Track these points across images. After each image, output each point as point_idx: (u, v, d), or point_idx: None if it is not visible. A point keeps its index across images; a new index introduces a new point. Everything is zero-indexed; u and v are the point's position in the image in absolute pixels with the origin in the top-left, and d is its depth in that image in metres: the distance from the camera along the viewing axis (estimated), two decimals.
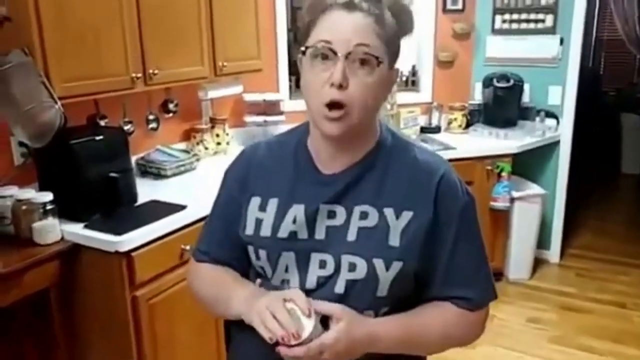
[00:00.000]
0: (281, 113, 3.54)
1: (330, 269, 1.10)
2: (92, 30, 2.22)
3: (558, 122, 3.96)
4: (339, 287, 1.10)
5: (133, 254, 2.08)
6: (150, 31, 2.46)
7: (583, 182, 5.11)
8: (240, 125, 3.53)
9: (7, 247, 2.05)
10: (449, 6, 4.04)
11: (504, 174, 3.57)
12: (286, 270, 1.14)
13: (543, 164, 4.10)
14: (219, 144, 3.32)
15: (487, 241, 3.78)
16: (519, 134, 3.80)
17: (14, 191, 2.15)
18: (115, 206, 2.27)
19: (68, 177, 2.19)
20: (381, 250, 1.09)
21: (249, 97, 3.47)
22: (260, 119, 3.49)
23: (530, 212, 3.80)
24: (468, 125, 4.01)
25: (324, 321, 1.06)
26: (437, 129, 4.05)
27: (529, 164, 3.98)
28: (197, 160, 3.03)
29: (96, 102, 2.55)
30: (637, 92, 6.90)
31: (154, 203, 2.41)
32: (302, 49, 1.06)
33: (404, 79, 4.19)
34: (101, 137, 2.27)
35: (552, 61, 3.93)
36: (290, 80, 3.68)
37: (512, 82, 3.84)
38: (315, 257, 1.12)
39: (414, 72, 4.21)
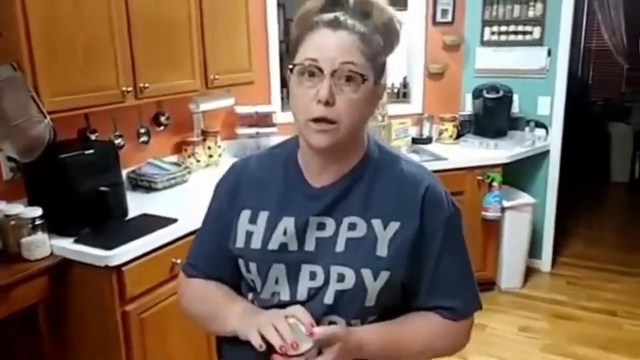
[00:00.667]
0: (273, 125, 3.55)
1: (320, 280, 1.11)
2: (82, 45, 2.22)
3: (547, 132, 3.99)
4: (328, 298, 1.11)
5: (123, 268, 2.08)
6: (140, 45, 2.47)
7: (573, 191, 5.14)
8: (232, 137, 3.53)
9: None
10: (439, 18, 4.07)
11: (494, 183, 3.58)
12: (276, 282, 1.15)
13: (533, 174, 4.13)
14: (210, 156, 3.32)
15: (478, 251, 3.77)
16: (509, 144, 3.83)
17: (3, 206, 2.14)
18: (106, 220, 2.26)
19: (58, 192, 2.18)
20: (369, 261, 1.10)
21: (240, 109, 3.48)
22: (252, 131, 3.50)
23: (521, 222, 3.82)
24: (459, 135, 4.03)
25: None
26: (428, 140, 4.07)
27: (519, 174, 4.00)
28: (189, 173, 3.03)
29: (86, 115, 2.55)
30: (626, 102, 6.96)
31: (145, 217, 2.41)
32: (290, 66, 1.08)
33: (395, 90, 4.21)
34: (91, 151, 2.27)
35: (540, 72, 3.97)
36: (282, 92, 3.68)
37: (501, 93, 3.87)
38: (306, 269, 1.13)
39: (404, 84, 4.23)
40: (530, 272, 4.13)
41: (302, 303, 1.11)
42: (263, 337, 1.03)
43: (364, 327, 1.12)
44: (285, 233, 1.14)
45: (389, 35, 1.09)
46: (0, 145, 2.14)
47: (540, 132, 3.97)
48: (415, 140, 4.04)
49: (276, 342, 1.01)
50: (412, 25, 4.06)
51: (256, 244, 1.16)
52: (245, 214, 1.19)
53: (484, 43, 4.11)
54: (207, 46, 2.85)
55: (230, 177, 1.27)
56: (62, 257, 2.13)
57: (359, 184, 1.15)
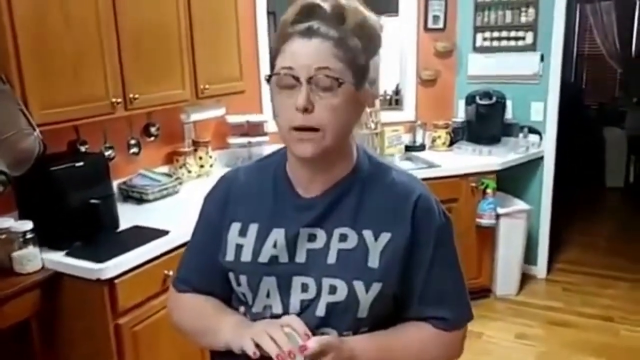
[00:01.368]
0: (265, 134, 3.53)
1: (312, 292, 1.11)
2: (71, 57, 2.21)
3: (541, 138, 3.99)
4: (320, 310, 1.10)
5: (115, 281, 2.06)
6: (130, 56, 2.46)
7: (567, 196, 5.14)
8: (224, 147, 3.52)
9: None
10: (430, 25, 4.06)
11: (488, 190, 3.58)
12: (267, 295, 1.14)
13: (527, 180, 4.12)
14: (202, 166, 3.30)
15: (473, 258, 3.76)
16: (502, 150, 3.83)
17: None
18: (97, 233, 2.25)
19: (48, 205, 2.17)
20: (361, 272, 1.10)
21: (232, 118, 3.47)
22: (244, 140, 3.48)
23: (516, 228, 3.81)
24: (452, 142, 4.02)
25: None
26: (421, 147, 4.06)
27: (513, 180, 4.00)
28: (180, 183, 3.02)
29: (76, 127, 2.53)
30: (619, 106, 6.99)
31: (136, 229, 2.39)
32: (266, 77, 1.09)
33: (388, 97, 4.20)
34: (81, 163, 2.26)
35: (533, 77, 3.97)
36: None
37: (494, 99, 3.87)
38: (297, 281, 1.12)
39: (397, 91, 4.24)
40: (525, 279, 4.12)
41: (295, 315, 1.10)
42: (258, 347, 1.03)
43: (356, 337, 1.12)
44: (275, 245, 1.14)
45: (365, 36, 1.07)
46: None
47: (534, 138, 3.97)
48: (408, 148, 4.03)
49: (272, 350, 1.00)
50: (403, 31, 4.07)
51: (246, 257, 1.16)
52: (235, 227, 1.19)
53: (476, 49, 4.11)
54: (197, 56, 2.84)
55: (219, 190, 1.26)
56: (54, 271, 2.11)
57: (350, 195, 1.15)
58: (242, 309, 1.20)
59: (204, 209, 1.28)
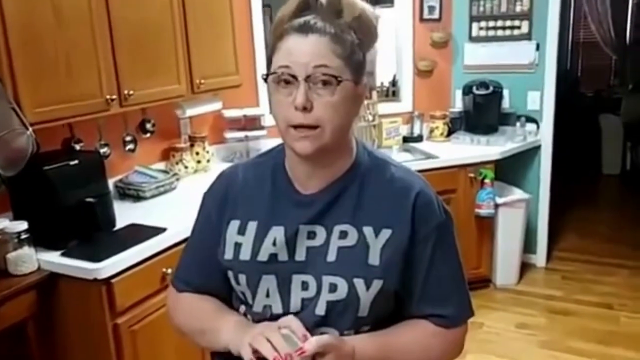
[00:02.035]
0: (262, 128, 3.51)
1: (312, 290, 1.10)
2: (64, 54, 2.17)
3: (538, 127, 3.99)
4: (320, 309, 1.09)
5: (113, 280, 2.04)
6: (123, 51, 2.42)
7: (565, 184, 5.14)
8: (221, 141, 3.50)
9: None
10: (426, 15, 4.04)
11: (487, 180, 3.57)
12: (267, 294, 1.13)
13: (525, 169, 4.12)
14: (199, 162, 3.28)
15: (473, 248, 3.75)
16: (500, 140, 3.82)
17: None
18: (93, 232, 2.22)
19: (43, 204, 2.14)
20: (361, 270, 1.09)
21: (228, 113, 3.44)
22: (241, 134, 3.46)
23: (515, 218, 3.80)
24: (450, 133, 4.01)
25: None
26: (419, 138, 4.04)
27: (511, 170, 3.99)
28: (177, 180, 2.99)
29: (70, 125, 2.50)
30: (615, 93, 6.98)
31: (133, 227, 2.37)
32: (264, 76, 1.07)
33: (385, 89, 4.18)
34: (76, 161, 2.23)
35: (529, 67, 3.95)
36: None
37: (491, 88, 3.86)
38: (297, 279, 1.11)
39: (394, 82, 4.21)
40: (525, 268, 4.12)
41: (295, 314, 1.09)
42: (256, 351, 1.01)
43: (357, 337, 1.10)
44: (274, 243, 1.12)
45: (362, 30, 1.06)
46: None
47: (531, 127, 3.96)
48: (406, 139, 4.02)
49: (269, 354, 0.99)
50: (399, 22, 4.05)
51: (245, 255, 1.14)
52: (234, 225, 1.17)
53: (472, 39, 4.08)
54: (192, 50, 2.81)
55: (218, 187, 1.25)
56: (50, 271, 2.09)
57: (349, 191, 1.13)
58: (242, 308, 1.19)
59: (202, 207, 1.27)
